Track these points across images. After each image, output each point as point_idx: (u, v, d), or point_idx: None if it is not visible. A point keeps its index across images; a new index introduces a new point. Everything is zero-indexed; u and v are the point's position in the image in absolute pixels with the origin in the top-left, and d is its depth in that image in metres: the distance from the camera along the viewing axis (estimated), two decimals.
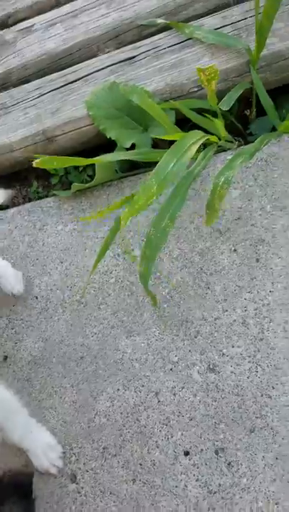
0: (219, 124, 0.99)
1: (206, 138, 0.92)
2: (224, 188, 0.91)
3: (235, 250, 1.12)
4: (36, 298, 1.22)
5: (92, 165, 1.35)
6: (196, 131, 0.92)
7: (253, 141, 1.18)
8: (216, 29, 1.18)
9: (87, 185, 1.24)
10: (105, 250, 0.97)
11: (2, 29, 1.48)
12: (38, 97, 1.30)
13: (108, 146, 1.24)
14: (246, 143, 1.21)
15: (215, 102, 1.03)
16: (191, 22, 1.22)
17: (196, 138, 0.89)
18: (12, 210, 1.36)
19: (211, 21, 1.19)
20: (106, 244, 0.96)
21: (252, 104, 1.23)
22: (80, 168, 1.35)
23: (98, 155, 1.23)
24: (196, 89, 1.17)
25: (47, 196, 1.36)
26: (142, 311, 1.13)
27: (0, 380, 0.96)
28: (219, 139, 1.07)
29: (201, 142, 0.88)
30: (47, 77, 1.33)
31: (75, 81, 1.27)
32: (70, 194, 1.27)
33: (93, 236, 1.24)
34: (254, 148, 0.96)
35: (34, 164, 0.88)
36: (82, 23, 1.34)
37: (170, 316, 1.11)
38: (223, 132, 1.02)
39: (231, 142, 1.14)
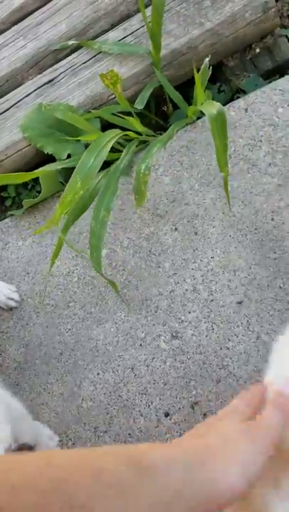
0: (134, 122, 1.13)
1: (122, 134, 1.05)
2: (146, 174, 1.04)
3: (176, 229, 1.25)
4: (11, 310, 1.33)
5: (38, 181, 1.49)
6: (113, 130, 1.05)
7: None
8: (119, 40, 1.32)
9: (36, 199, 1.37)
10: (58, 251, 1.09)
11: None
12: None
13: (50, 161, 1.37)
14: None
15: (126, 103, 1.17)
16: (98, 38, 1.36)
17: (111, 135, 1.02)
18: None
19: (114, 34, 1.34)
20: (59, 245, 1.08)
21: (166, 101, 1.37)
22: (29, 186, 1.48)
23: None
24: (113, 96, 1.31)
25: (5, 218, 1.47)
26: (106, 300, 1.25)
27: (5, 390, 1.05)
28: (140, 135, 1.20)
29: (116, 138, 1.01)
30: None
31: (8, 109, 1.40)
32: (24, 211, 1.39)
33: (51, 244, 1.36)
34: (167, 137, 1.09)
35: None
36: (5, 57, 1.47)
37: (131, 298, 1.23)
38: (140, 128, 1.15)
39: (154, 136, 1.27)
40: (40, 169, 1.19)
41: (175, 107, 1.37)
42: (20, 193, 1.50)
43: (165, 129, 1.36)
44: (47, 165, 1.20)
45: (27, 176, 1.14)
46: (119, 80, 1.07)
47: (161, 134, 1.32)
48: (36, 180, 1.44)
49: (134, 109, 1.23)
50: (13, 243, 1.41)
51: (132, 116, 1.17)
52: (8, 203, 1.50)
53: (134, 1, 1.36)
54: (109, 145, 0.99)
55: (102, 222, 1.04)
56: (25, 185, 1.49)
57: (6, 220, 1.45)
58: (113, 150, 1.05)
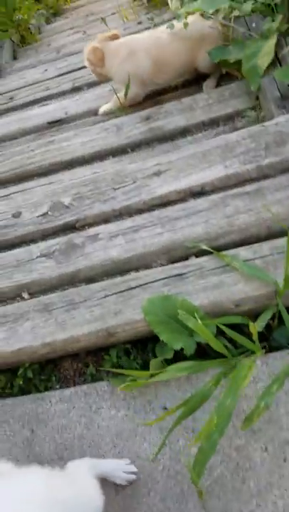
0: (255, 348, 1.28)
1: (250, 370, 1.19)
2: (264, 409, 1.16)
3: (266, 449, 1.33)
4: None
5: (140, 351, 1.63)
6: (246, 359, 1.19)
7: (275, 346, 1.48)
8: (248, 260, 1.51)
9: (137, 383, 1.48)
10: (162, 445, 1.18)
11: (70, 231, 1.83)
12: (103, 297, 1.60)
13: (155, 336, 1.51)
14: (270, 347, 1.48)
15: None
16: (229, 250, 1.56)
17: (246, 367, 1.16)
18: (69, 391, 1.58)
19: (244, 253, 1.53)
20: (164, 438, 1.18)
21: (275, 316, 1.52)
22: (131, 357, 1.61)
23: (147, 343, 1.55)
24: (233, 307, 1.47)
25: (101, 379, 1.59)
26: (186, 500, 1.32)
27: None
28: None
29: (250, 371, 1.15)
30: (111, 280, 1.64)
31: (135, 287, 1.58)
32: (121, 387, 1.50)
33: (144, 418, 1.46)
34: (283, 374, 1.22)
35: (119, 389, 1.13)
36: (142, 238, 1.69)
37: (212, 507, 1.29)
38: (258, 351, 1.30)
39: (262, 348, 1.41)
40: (160, 376, 1.33)
41: (280, 321, 1.51)
42: (120, 357, 1.63)
43: (267, 339, 1.51)
44: (164, 373, 1.34)
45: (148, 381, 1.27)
46: None
47: (264, 347, 1.46)
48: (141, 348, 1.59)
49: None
50: (106, 410, 1.51)
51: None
52: (106, 365, 1.62)
53: (266, 223, 1.57)
54: (246, 381, 1.12)
55: (212, 444, 1.14)
56: (127, 352, 1.63)
57: (103, 383, 1.57)
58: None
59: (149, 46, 2.36)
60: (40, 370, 1.68)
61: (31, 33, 5.10)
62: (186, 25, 2.26)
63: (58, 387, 1.67)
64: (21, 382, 1.65)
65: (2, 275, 1.76)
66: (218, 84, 2.40)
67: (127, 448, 1.43)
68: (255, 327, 1.28)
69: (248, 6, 2.22)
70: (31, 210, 1.92)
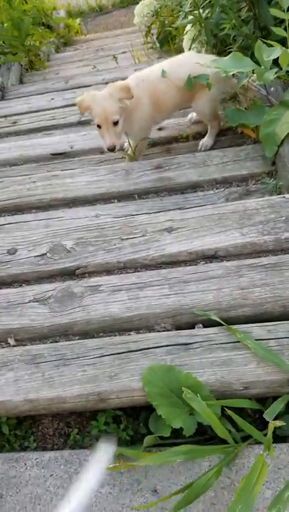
0: (269, 449, 1.16)
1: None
2: None
3: None
4: None
5: (130, 420, 1.49)
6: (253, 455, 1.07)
7: (282, 436, 1.37)
8: (261, 339, 1.42)
9: (127, 465, 1.32)
10: None
11: (69, 277, 1.71)
12: (99, 357, 1.46)
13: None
14: (275, 436, 1.37)
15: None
16: (240, 325, 1.46)
17: (255, 474, 1.03)
18: (48, 455, 1.41)
19: (258, 331, 1.44)
20: None
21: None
22: (121, 426, 1.46)
23: (140, 412, 1.42)
24: (241, 389, 1.36)
25: (85, 446, 1.43)
26: None
27: None
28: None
29: (261, 482, 1.02)
30: (108, 339, 1.50)
31: (135, 351, 1.45)
32: (109, 468, 1.34)
33: (128, 505, 1.30)
34: None
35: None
36: (146, 296, 1.57)
37: None
38: (270, 450, 1.18)
39: None
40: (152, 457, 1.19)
41: None
42: (108, 424, 1.48)
43: None
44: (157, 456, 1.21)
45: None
46: None
47: None
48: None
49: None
50: (87, 485, 1.34)
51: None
52: (93, 431, 1.47)
53: (282, 301, 1.49)
54: (258, 488, 1.00)
55: None
56: (117, 419, 1.48)
57: (87, 451, 1.41)
58: None
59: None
60: (16, 425, 1.51)
61: (40, 59, 5.09)
62: (163, 73, 2.27)
63: (34, 445, 1.49)
64: None
65: None
66: (230, 145, 2.37)
67: None
68: (273, 424, 1.16)
69: (270, 75, 2.21)
70: (29, 249, 1.78)
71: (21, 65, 4.73)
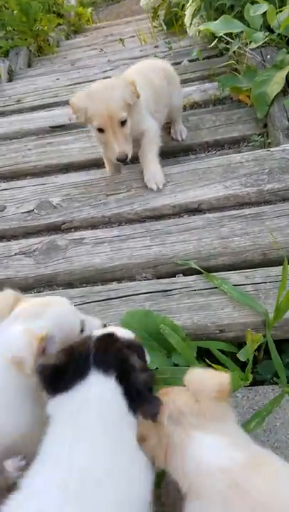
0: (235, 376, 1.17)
1: None
2: None
3: None
4: None
5: None
6: None
7: (259, 380, 1.37)
8: (239, 285, 1.42)
9: None
10: None
11: (55, 232, 1.74)
12: (81, 304, 1.48)
13: None
14: (254, 381, 1.37)
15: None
16: (219, 272, 1.47)
17: None
18: None
19: (236, 277, 1.44)
20: None
21: (261, 348, 1.42)
22: None
23: None
24: (217, 332, 1.36)
25: None
26: None
27: None
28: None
29: None
30: (90, 287, 1.53)
31: (115, 298, 1.47)
32: None
33: None
34: (265, 413, 1.11)
35: None
36: (128, 248, 1.59)
37: None
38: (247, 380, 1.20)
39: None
40: None
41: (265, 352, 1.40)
42: None
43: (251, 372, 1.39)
44: None
45: None
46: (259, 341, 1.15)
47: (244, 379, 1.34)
48: None
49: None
50: None
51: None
52: None
53: (262, 249, 1.49)
54: None
55: None
56: None
57: None
58: None
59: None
60: None
61: (49, 45, 5.14)
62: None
63: None
64: None
65: None
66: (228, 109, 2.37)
67: None
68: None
69: (259, 35, 2.20)
70: (17, 206, 1.82)
71: (30, 50, 4.78)
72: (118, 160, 1.63)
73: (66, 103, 3.17)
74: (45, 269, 1.60)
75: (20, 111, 3.24)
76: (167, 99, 1.99)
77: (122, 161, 1.64)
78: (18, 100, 3.33)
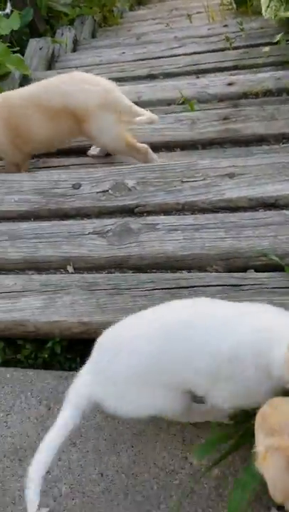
0: None
1: None
2: None
3: None
4: None
5: None
6: None
7: None
8: None
9: None
10: None
11: (128, 214, 1.76)
12: (150, 290, 1.51)
13: None
14: None
15: None
16: None
17: None
18: None
19: None
20: None
21: None
22: None
23: None
24: None
25: None
26: None
27: None
28: None
29: None
30: (160, 274, 1.55)
31: (186, 288, 1.49)
32: None
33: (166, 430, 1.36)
34: None
35: None
36: (201, 238, 1.59)
37: None
38: None
39: None
40: None
41: None
42: None
43: None
44: None
45: None
46: None
47: None
48: None
49: None
50: None
51: None
52: None
53: None
54: None
55: None
56: None
57: None
58: None
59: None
60: (67, 347, 1.60)
61: (114, 15, 5.06)
62: None
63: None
64: (46, 356, 1.58)
65: (51, 243, 1.69)
66: None
67: (144, 452, 1.34)
68: None
69: None
70: (92, 185, 1.84)
71: (95, 20, 4.73)
72: None
73: (134, 79, 3.16)
74: (118, 251, 1.63)
75: None
76: None
77: None
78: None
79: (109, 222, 1.71)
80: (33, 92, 2.00)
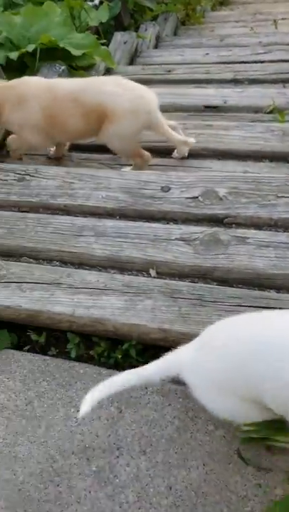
0: None
1: None
2: None
3: None
4: None
5: None
6: None
7: None
8: None
9: None
10: None
11: (216, 224, 1.71)
12: (236, 305, 1.46)
13: None
14: None
15: None
16: None
17: None
18: (169, 386, 1.46)
19: None
20: None
21: None
22: None
23: None
24: None
25: None
26: None
27: None
28: None
29: None
30: (248, 291, 1.50)
31: (274, 309, 1.43)
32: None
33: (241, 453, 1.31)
34: None
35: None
36: None
37: None
38: None
39: None
40: None
41: None
42: None
43: None
44: None
45: None
46: None
47: None
48: None
49: None
50: (204, 422, 1.38)
51: None
52: None
53: None
54: None
55: None
56: None
57: None
58: None
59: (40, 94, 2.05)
60: (141, 351, 1.58)
61: (196, 14, 5.01)
62: None
63: None
64: (119, 357, 1.57)
65: (136, 244, 1.67)
66: None
67: (216, 472, 1.30)
68: None
69: None
70: (181, 190, 1.80)
71: (177, 18, 4.69)
72: None
73: (219, 81, 3.10)
74: (203, 261, 1.59)
75: (167, 82, 3.21)
76: None
77: None
78: (169, 71, 3.29)
79: (196, 230, 1.67)
80: (75, 86, 2.06)
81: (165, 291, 1.55)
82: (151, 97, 2.06)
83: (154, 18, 4.45)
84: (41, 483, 1.37)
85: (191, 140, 2.16)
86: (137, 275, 1.63)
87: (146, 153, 2.12)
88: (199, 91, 2.84)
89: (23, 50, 2.88)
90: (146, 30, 4.07)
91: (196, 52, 3.72)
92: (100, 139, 2.10)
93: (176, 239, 1.66)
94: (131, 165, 2.18)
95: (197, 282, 1.58)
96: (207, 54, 3.64)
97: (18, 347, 1.67)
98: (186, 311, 1.49)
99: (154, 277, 1.62)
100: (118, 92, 1.99)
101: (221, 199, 1.75)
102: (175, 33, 4.50)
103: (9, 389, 1.54)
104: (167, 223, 1.76)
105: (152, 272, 1.62)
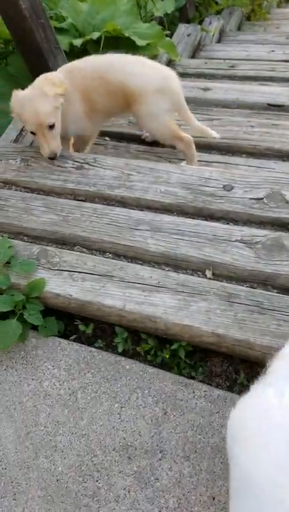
0: None
1: None
2: None
3: None
4: None
5: None
6: None
7: None
8: None
9: None
10: None
11: (280, 228, 1.63)
12: None
13: None
14: None
15: None
16: None
17: None
18: (218, 393, 1.41)
19: None
20: None
21: None
22: None
23: None
24: None
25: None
26: None
27: None
28: None
29: None
30: None
31: None
32: None
33: None
34: None
35: None
36: None
37: None
38: None
39: None
40: None
41: None
42: None
43: None
44: None
45: None
46: None
47: None
48: None
49: None
50: None
51: None
52: None
53: None
54: None
55: None
56: None
57: None
58: None
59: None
60: (190, 353, 1.54)
61: (262, 10, 4.86)
62: None
63: (200, 378, 1.51)
64: (167, 356, 1.52)
65: (193, 243, 1.61)
66: None
67: None
68: None
69: None
70: (245, 189, 1.73)
71: (243, 12, 4.57)
72: (49, 158, 1.92)
73: (284, 80, 2.99)
74: (265, 266, 1.52)
75: (231, 77, 3.11)
76: None
77: (52, 158, 1.93)
78: (232, 66, 3.19)
79: (259, 233, 1.60)
80: (101, 65, 2.02)
81: (221, 294, 1.49)
82: (176, 78, 2.03)
83: (219, 12, 4.35)
84: (80, 476, 1.35)
85: (214, 133, 2.15)
86: (192, 274, 1.58)
87: (187, 136, 2.05)
88: (264, 88, 2.73)
89: (88, 38, 2.86)
90: (210, 23, 3.98)
91: (261, 48, 3.61)
92: (138, 124, 2.12)
93: (237, 240, 1.59)
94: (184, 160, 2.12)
95: (256, 288, 1.51)
96: (272, 51, 3.52)
97: (64, 335, 1.66)
98: (242, 317, 1.43)
99: (210, 279, 1.56)
100: (146, 72, 1.96)
101: (287, 202, 1.66)
102: (239, 28, 4.39)
103: (54, 376, 1.53)
104: (227, 223, 1.69)
105: (208, 273, 1.57)
